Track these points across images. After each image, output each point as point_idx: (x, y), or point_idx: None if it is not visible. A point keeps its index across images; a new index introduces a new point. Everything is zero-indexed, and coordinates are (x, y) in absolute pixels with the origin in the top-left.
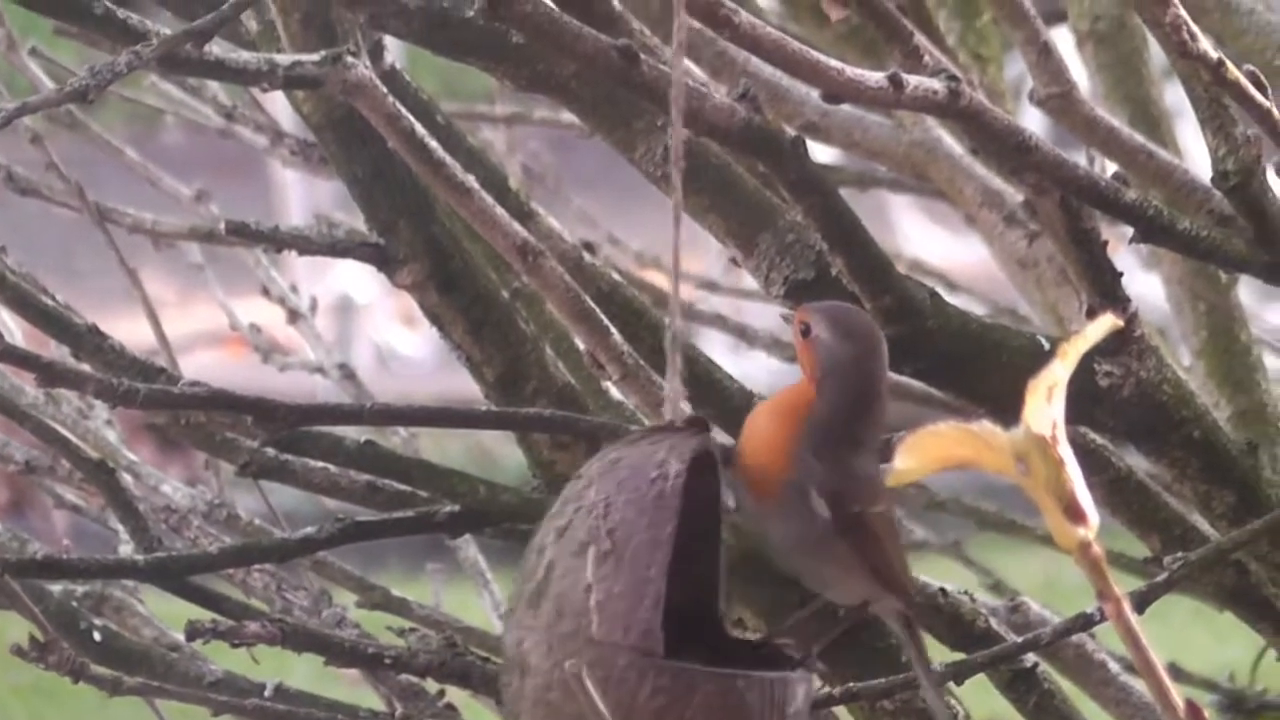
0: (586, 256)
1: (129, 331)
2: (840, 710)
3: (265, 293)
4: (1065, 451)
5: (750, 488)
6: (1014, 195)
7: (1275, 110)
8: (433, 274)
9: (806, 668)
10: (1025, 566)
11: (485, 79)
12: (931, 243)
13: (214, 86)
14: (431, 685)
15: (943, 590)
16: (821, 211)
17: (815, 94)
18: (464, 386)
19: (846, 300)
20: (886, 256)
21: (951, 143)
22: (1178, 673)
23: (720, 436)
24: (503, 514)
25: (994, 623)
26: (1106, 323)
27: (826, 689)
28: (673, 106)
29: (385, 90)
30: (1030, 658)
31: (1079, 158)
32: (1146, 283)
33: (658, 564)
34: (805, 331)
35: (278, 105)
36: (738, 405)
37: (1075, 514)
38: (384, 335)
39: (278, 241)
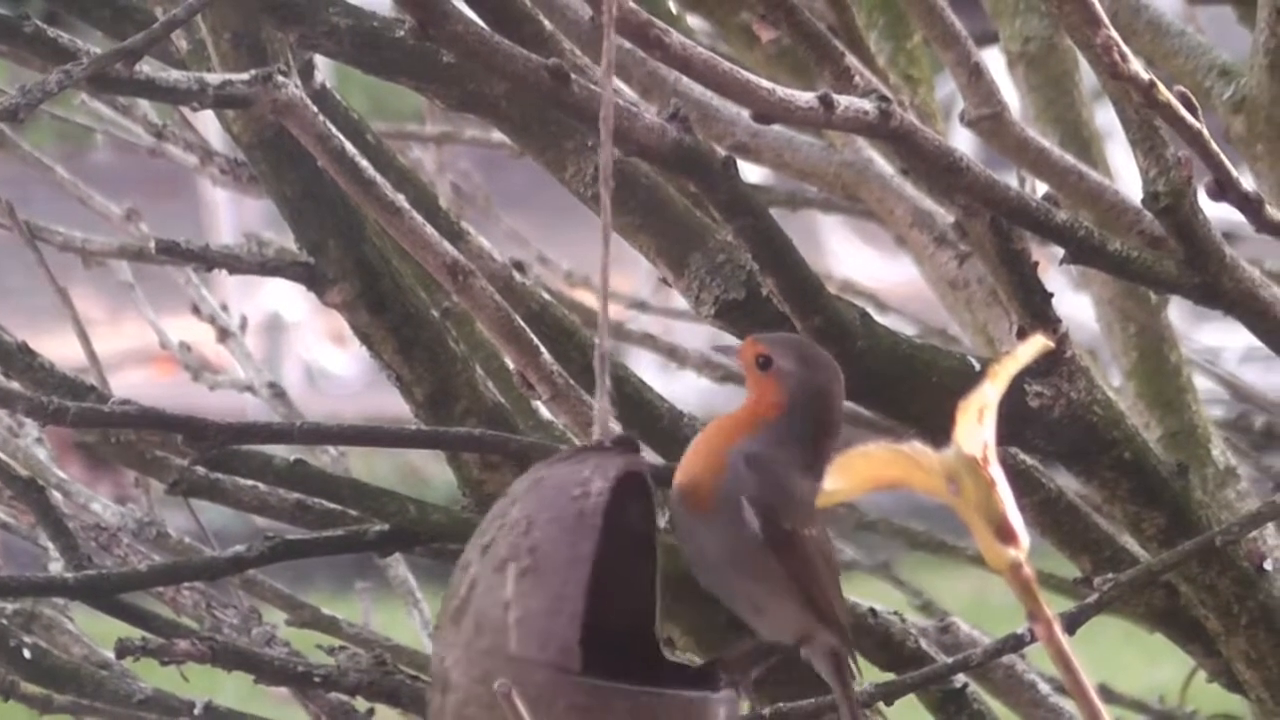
0: (517, 276)
1: (59, 350)
2: None
3: (195, 311)
4: (996, 472)
5: (685, 500)
6: (944, 216)
7: (1206, 132)
8: (363, 293)
9: (734, 690)
10: (955, 587)
11: (415, 98)
12: (862, 263)
13: (144, 105)
14: (361, 704)
15: (872, 611)
16: (752, 232)
17: (746, 114)
18: (393, 405)
19: (776, 323)
20: (817, 277)
21: (882, 163)
22: (1108, 694)
23: (650, 456)
24: (432, 533)
25: (924, 643)
26: (1037, 344)
27: (755, 709)
28: (602, 127)
29: (315, 109)
30: (960, 678)
31: (1010, 179)
32: (1077, 303)
33: (575, 581)
34: (765, 364)
35: (208, 124)
36: (667, 425)
37: (1006, 535)
38: (313, 354)
39: (208, 260)
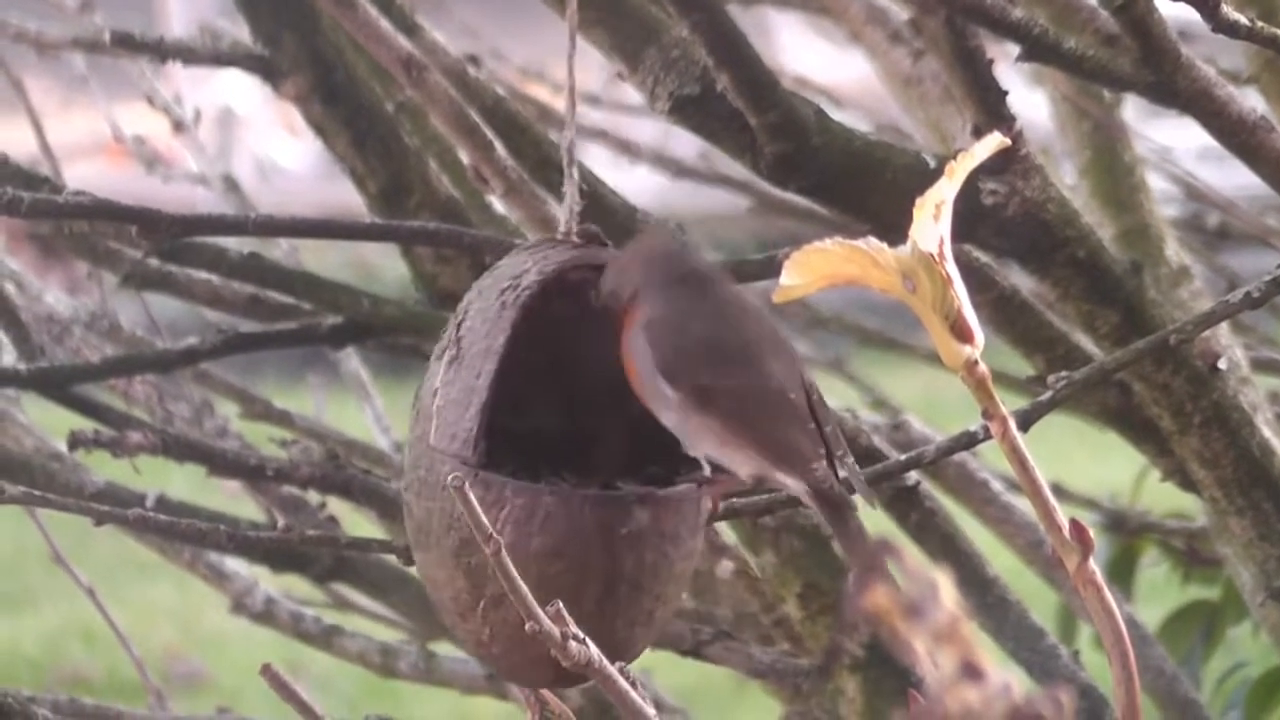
0: (470, 70)
1: (12, 140)
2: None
3: (149, 103)
4: (952, 269)
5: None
6: (899, 13)
7: None
8: (317, 86)
9: (641, 497)
10: (907, 384)
11: None
12: (816, 59)
13: None
14: (313, 497)
15: None
16: (707, 27)
17: None
18: (346, 198)
19: (730, 118)
20: (771, 73)
21: None
22: (1060, 492)
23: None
24: (386, 327)
25: (877, 440)
26: (992, 141)
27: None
28: None
29: None
30: (912, 476)
31: None
32: (1031, 101)
33: (486, 373)
34: (614, 297)
35: None
36: (622, 220)
37: (961, 332)
38: (265, 147)
39: (162, 52)
